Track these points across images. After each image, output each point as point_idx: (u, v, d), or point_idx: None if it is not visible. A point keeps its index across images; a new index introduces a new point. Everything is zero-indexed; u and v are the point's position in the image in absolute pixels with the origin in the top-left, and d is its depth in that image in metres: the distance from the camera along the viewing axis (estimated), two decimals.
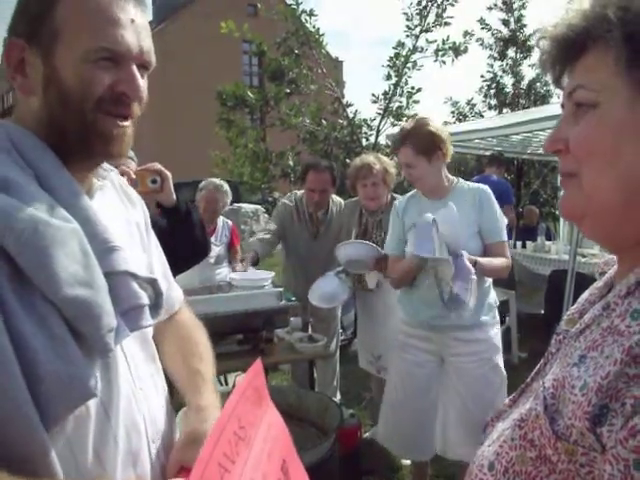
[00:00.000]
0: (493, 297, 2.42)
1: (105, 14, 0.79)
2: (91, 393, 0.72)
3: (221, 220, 4.09)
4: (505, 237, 2.33)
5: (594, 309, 0.64)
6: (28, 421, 0.65)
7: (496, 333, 2.37)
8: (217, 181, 3.96)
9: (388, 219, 3.01)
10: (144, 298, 0.83)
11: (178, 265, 2.21)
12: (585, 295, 0.75)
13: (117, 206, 0.98)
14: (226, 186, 3.95)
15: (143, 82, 0.85)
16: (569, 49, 0.63)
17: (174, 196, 2.05)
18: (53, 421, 0.69)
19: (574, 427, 0.55)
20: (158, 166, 2.01)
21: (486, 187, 2.37)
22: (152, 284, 0.87)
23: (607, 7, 0.58)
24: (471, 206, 2.30)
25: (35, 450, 0.67)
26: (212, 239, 3.93)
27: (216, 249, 3.93)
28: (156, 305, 0.87)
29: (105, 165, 0.96)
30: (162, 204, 2.05)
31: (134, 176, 1.92)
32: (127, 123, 0.84)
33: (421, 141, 2.29)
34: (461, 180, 2.43)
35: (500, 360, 2.36)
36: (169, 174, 2.02)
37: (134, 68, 0.82)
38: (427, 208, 2.35)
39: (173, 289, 1.19)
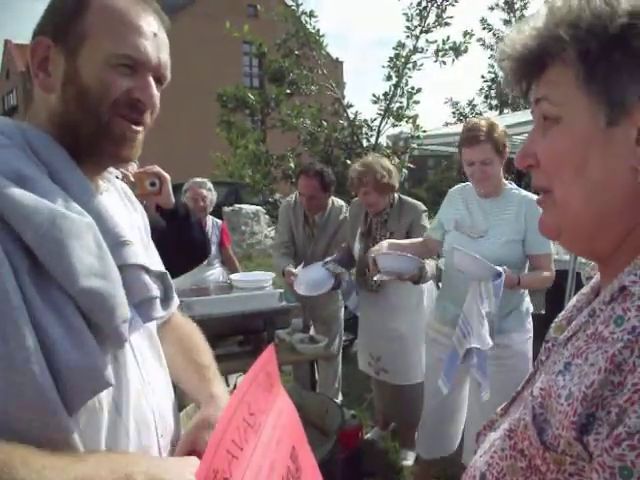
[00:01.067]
0: (525, 305, 2.41)
1: (131, 24, 0.84)
2: (106, 383, 0.74)
3: (210, 220, 4.10)
4: (551, 249, 2.32)
5: (581, 316, 0.64)
6: (54, 407, 0.68)
7: (524, 341, 2.35)
8: (199, 179, 3.98)
9: (393, 219, 3.04)
10: (155, 290, 0.87)
11: (178, 267, 2.22)
12: (573, 301, 0.75)
13: (121, 209, 1.00)
14: (209, 184, 3.95)
15: (157, 93, 0.89)
16: (530, 67, 0.64)
17: (173, 199, 2.05)
18: (70, 410, 0.71)
19: (561, 437, 0.55)
20: (157, 169, 2.02)
21: (534, 197, 2.33)
22: (162, 277, 0.92)
23: (559, 26, 0.59)
24: (516, 213, 2.30)
25: (58, 437, 0.69)
26: None
27: None
28: (166, 298, 0.92)
29: (110, 169, 0.98)
30: (161, 207, 2.05)
31: (133, 179, 1.92)
32: (139, 129, 0.88)
33: (498, 140, 2.30)
34: (512, 184, 2.45)
35: (527, 368, 2.31)
36: (168, 177, 2.03)
37: (150, 78, 0.87)
38: (474, 204, 2.43)
39: None
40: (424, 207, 3.07)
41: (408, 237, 2.95)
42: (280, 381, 0.84)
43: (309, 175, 3.37)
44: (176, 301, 1.22)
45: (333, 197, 3.60)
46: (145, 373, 0.89)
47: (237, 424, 0.65)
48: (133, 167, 2.11)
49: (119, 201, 1.02)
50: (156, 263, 1.10)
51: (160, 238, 2.18)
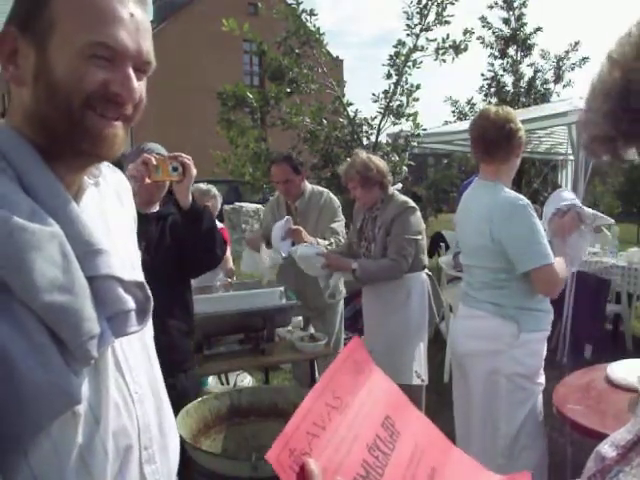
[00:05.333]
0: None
1: (104, 8, 0.76)
2: (73, 401, 0.71)
3: None
4: None
5: None
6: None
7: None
8: (204, 186, 3.95)
9: (381, 215, 3.07)
10: (130, 303, 0.79)
11: (188, 269, 2.19)
12: None
13: (111, 204, 0.94)
14: (214, 190, 3.93)
15: (139, 84, 0.81)
16: None
17: (190, 198, 2.01)
18: (37, 426, 0.69)
19: None
20: (183, 155, 1.94)
21: None
22: (140, 288, 0.82)
23: None
24: None
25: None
26: None
27: None
28: (143, 310, 0.82)
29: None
30: (179, 204, 2.03)
31: (155, 162, 1.87)
32: (118, 124, 0.81)
33: None
34: None
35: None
36: (193, 171, 1.94)
37: (130, 69, 0.79)
38: None
39: None
40: (410, 204, 3.07)
41: (388, 233, 3.01)
42: (372, 364, 0.87)
43: (278, 162, 3.54)
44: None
45: (314, 186, 3.71)
46: (132, 383, 0.85)
47: (319, 409, 0.71)
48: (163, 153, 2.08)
49: (109, 195, 0.95)
50: (135, 267, 1.04)
51: (176, 235, 2.16)
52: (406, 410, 0.86)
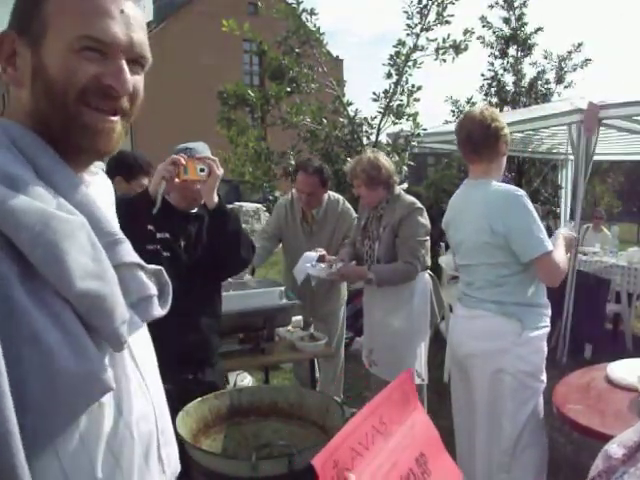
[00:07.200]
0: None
1: (92, 3, 0.78)
2: (107, 387, 0.73)
3: None
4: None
5: None
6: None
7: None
8: None
9: (387, 214, 3.06)
10: (153, 288, 0.84)
11: (219, 270, 2.21)
12: None
13: (107, 203, 0.97)
14: None
15: (134, 78, 0.83)
16: None
17: (215, 198, 2.02)
18: (72, 416, 0.70)
19: None
20: (209, 158, 2.01)
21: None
22: (157, 275, 0.87)
23: None
24: None
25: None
26: None
27: None
28: (164, 295, 0.88)
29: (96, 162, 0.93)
30: (207, 205, 2.05)
31: (184, 162, 1.93)
32: (115, 118, 0.82)
33: None
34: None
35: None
36: (219, 172, 1.99)
37: (123, 62, 0.80)
38: None
39: None
40: (418, 205, 3.07)
41: (396, 234, 3.00)
42: (418, 399, 0.92)
43: (308, 172, 3.38)
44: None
45: (330, 192, 3.64)
46: (142, 367, 0.88)
47: (366, 430, 0.75)
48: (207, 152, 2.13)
49: (104, 195, 0.97)
50: None
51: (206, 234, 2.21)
52: (439, 451, 0.90)
